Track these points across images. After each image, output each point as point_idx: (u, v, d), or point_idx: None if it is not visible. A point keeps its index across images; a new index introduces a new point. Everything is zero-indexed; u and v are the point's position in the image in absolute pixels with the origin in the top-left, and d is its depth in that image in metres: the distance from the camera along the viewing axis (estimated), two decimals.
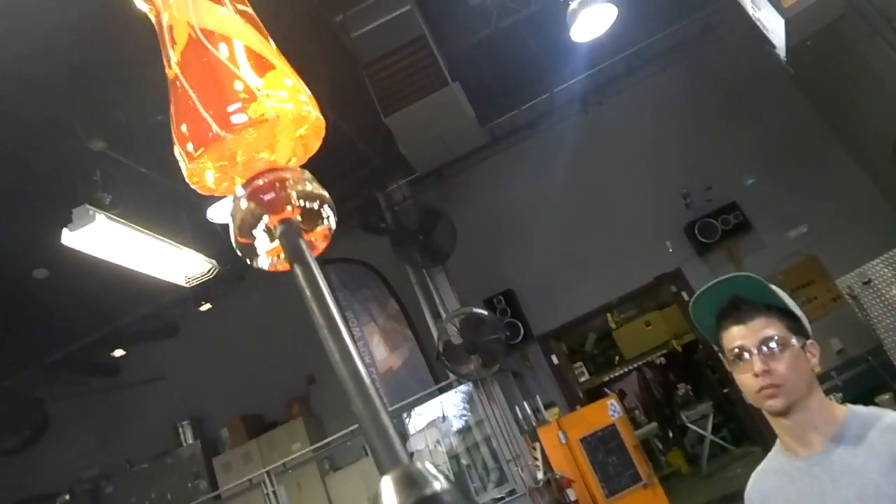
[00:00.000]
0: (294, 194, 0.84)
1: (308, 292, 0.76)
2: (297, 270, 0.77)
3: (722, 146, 7.51)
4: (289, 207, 0.83)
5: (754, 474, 1.57)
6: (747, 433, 8.36)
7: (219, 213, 5.10)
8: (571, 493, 5.87)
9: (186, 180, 0.88)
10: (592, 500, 6.20)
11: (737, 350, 1.41)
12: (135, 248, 4.65)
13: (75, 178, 4.48)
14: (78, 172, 4.47)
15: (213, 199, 4.96)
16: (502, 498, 5.45)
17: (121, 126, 4.50)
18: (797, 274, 6.86)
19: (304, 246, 0.80)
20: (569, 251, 7.67)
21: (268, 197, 0.83)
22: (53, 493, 7.64)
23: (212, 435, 7.83)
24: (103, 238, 4.33)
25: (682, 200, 7.41)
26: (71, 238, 4.19)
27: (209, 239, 5.62)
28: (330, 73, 4.90)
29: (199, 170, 0.85)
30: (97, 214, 4.17)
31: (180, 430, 7.74)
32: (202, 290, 6.91)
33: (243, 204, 0.83)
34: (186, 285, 5.60)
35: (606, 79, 7.69)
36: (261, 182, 0.83)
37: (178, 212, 5.42)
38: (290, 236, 0.81)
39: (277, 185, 0.84)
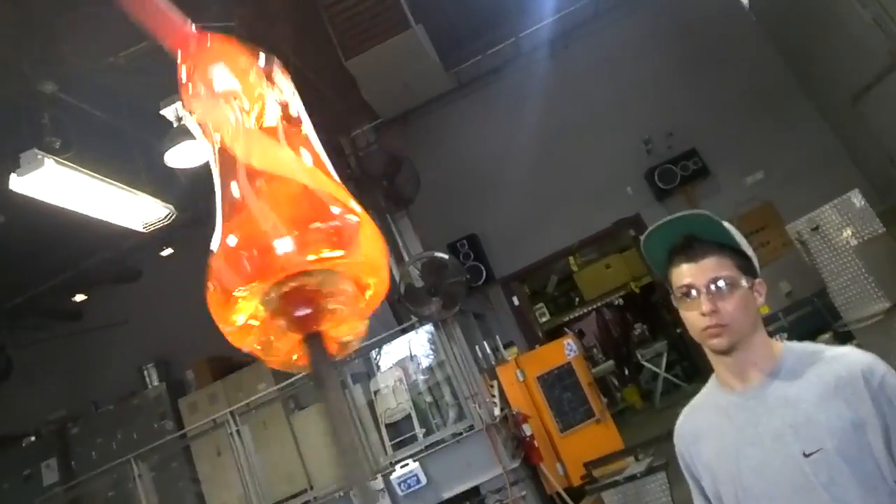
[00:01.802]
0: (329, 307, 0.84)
1: (332, 418, 0.80)
2: (324, 396, 0.81)
3: (685, 92, 7.58)
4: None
5: (686, 410, 1.59)
6: (699, 370, 8.76)
7: (176, 158, 4.99)
8: (527, 429, 6.14)
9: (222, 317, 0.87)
10: (547, 435, 6.51)
11: (685, 287, 1.41)
12: (88, 193, 4.55)
13: (23, 123, 4.34)
14: (27, 116, 4.33)
15: (169, 143, 4.86)
16: (461, 433, 5.68)
17: (72, 68, 4.34)
18: (752, 219, 7.06)
19: (331, 373, 0.82)
20: (532, 196, 7.76)
21: (300, 313, 0.83)
22: (21, 434, 7.68)
23: (178, 377, 7.90)
24: (54, 183, 4.22)
25: (643, 147, 7.52)
26: (19, 183, 4.08)
27: (166, 184, 5.52)
28: (291, 13, 4.77)
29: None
30: (46, 159, 4.05)
31: (146, 372, 7.79)
32: (163, 235, 6.83)
33: (271, 307, 0.82)
34: (144, 231, 5.53)
35: (573, 24, 7.62)
36: (303, 310, 0.83)
37: (133, 156, 5.30)
38: (317, 358, 0.82)
39: (315, 302, 0.83)
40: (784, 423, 1.34)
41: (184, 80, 0.91)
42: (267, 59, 0.95)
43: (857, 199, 5.69)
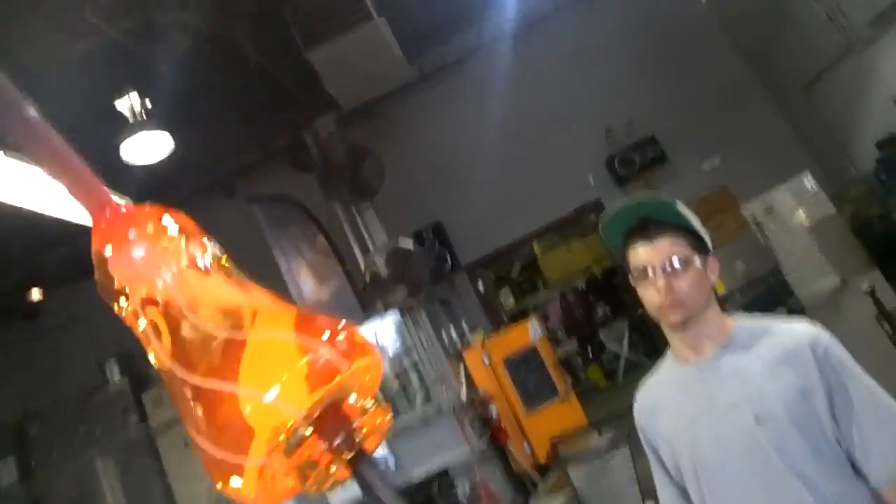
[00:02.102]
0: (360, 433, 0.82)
1: None
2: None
3: (646, 82, 7.73)
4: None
5: (643, 386, 1.65)
6: (658, 349, 8.93)
7: (132, 152, 4.90)
8: (493, 409, 6.25)
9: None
10: (513, 415, 6.64)
11: (642, 267, 1.46)
12: (39, 188, 4.43)
13: None
14: None
15: (124, 135, 4.76)
16: (428, 416, 5.76)
17: (21, 60, 4.22)
18: (709, 203, 7.24)
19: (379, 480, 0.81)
20: (497, 184, 7.83)
21: (338, 442, 0.80)
22: None
23: (140, 370, 7.79)
24: (2, 178, 4.11)
25: (604, 136, 7.65)
26: None
27: (121, 177, 5.41)
28: (250, 6, 4.70)
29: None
30: None
31: (107, 367, 7.66)
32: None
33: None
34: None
35: (536, 16, 7.68)
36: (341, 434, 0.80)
37: (87, 151, 5.17)
38: (366, 477, 0.80)
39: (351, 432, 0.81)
40: (737, 393, 1.40)
41: (108, 255, 0.86)
42: (180, 217, 0.91)
43: (808, 180, 5.91)
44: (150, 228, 0.87)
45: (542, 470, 6.09)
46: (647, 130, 7.64)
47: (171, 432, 6.49)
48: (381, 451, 5.55)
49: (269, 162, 7.31)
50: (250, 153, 7.09)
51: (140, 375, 7.69)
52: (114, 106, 4.43)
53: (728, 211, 7.14)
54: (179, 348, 0.81)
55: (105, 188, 0.91)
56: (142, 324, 0.84)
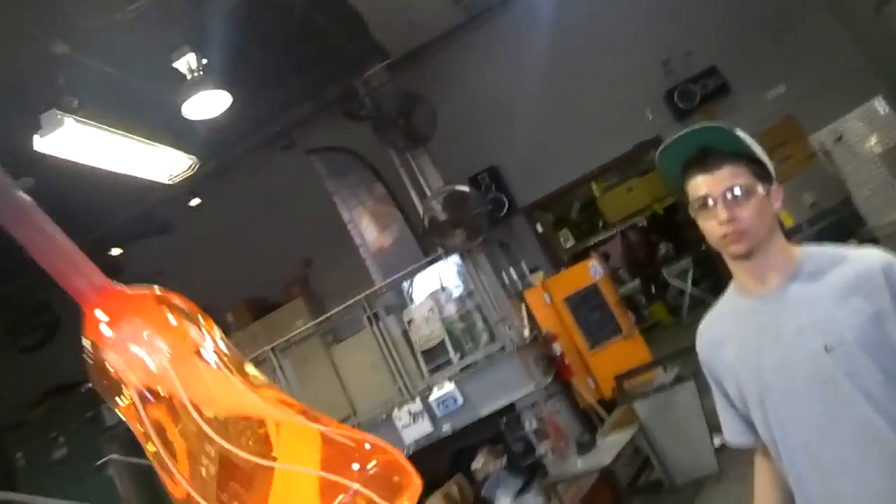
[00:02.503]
0: None
1: None
2: None
3: (703, 9, 7.35)
4: None
5: (707, 318, 1.63)
6: (723, 284, 8.81)
7: (193, 110, 5.04)
8: (557, 347, 6.34)
9: None
10: (577, 352, 6.72)
11: (702, 198, 1.43)
12: (110, 149, 4.65)
13: (40, 85, 4.42)
14: (43, 79, 4.40)
15: (185, 95, 4.90)
16: (493, 355, 5.93)
17: (80, 26, 4.37)
18: (774, 134, 6.93)
19: None
20: (551, 124, 7.69)
21: None
22: (76, 381, 8.17)
23: (217, 320, 8.19)
24: (76, 141, 4.32)
25: (661, 68, 7.37)
26: (43, 144, 4.18)
27: (186, 135, 5.60)
28: None
29: None
30: (65, 118, 4.14)
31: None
32: (190, 186, 6.99)
33: None
34: (170, 182, 5.66)
35: None
36: None
37: (151, 111, 5.37)
38: None
39: None
40: (804, 321, 1.38)
41: (106, 343, 0.77)
42: (185, 303, 0.84)
43: (881, 105, 5.59)
44: (153, 315, 0.78)
45: (608, 405, 6.19)
46: (707, 61, 7.32)
47: (260, 368, 6.86)
48: (448, 389, 5.76)
49: (324, 113, 7.39)
50: (304, 105, 7.18)
51: (218, 325, 8.13)
52: (171, 66, 4.55)
53: (795, 142, 6.84)
54: (195, 466, 0.72)
55: (100, 273, 0.84)
56: (143, 427, 0.74)
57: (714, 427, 4.74)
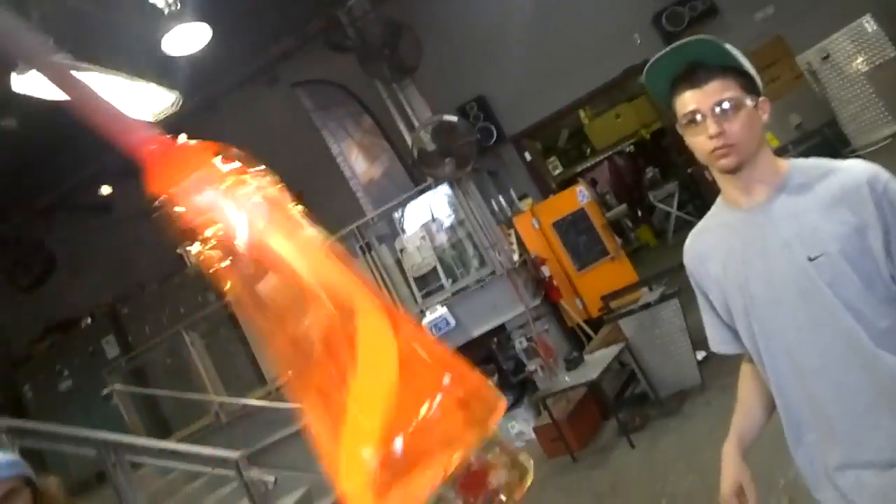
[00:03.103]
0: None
1: None
2: None
3: None
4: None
5: (694, 231, 1.63)
6: (709, 206, 8.98)
7: (173, 45, 4.95)
8: (546, 270, 6.54)
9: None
10: (565, 275, 6.92)
11: (691, 114, 1.41)
12: (98, 87, 4.60)
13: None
14: (18, 16, 4.30)
15: (164, 30, 4.79)
16: (484, 279, 6.11)
17: None
18: (763, 55, 6.90)
19: None
20: (538, 52, 7.62)
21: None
22: (77, 317, 8.35)
23: None
24: None
25: None
26: (21, 83, 4.12)
27: (168, 70, 5.50)
28: None
29: None
30: None
31: (183, 253, 8.22)
32: (175, 124, 6.92)
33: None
34: (154, 120, 5.62)
35: None
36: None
37: (131, 47, 5.26)
38: None
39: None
40: (790, 232, 1.39)
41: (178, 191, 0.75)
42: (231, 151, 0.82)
43: (869, 24, 5.57)
44: (215, 164, 0.77)
45: (595, 324, 6.43)
46: None
47: None
48: (441, 312, 5.98)
49: (307, 46, 7.26)
50: (288, 39, 7.05)
51: None
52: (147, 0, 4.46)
53: (783, 62, 6.83)
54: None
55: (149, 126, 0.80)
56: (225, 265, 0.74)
57: (697, 342, 4.97)
